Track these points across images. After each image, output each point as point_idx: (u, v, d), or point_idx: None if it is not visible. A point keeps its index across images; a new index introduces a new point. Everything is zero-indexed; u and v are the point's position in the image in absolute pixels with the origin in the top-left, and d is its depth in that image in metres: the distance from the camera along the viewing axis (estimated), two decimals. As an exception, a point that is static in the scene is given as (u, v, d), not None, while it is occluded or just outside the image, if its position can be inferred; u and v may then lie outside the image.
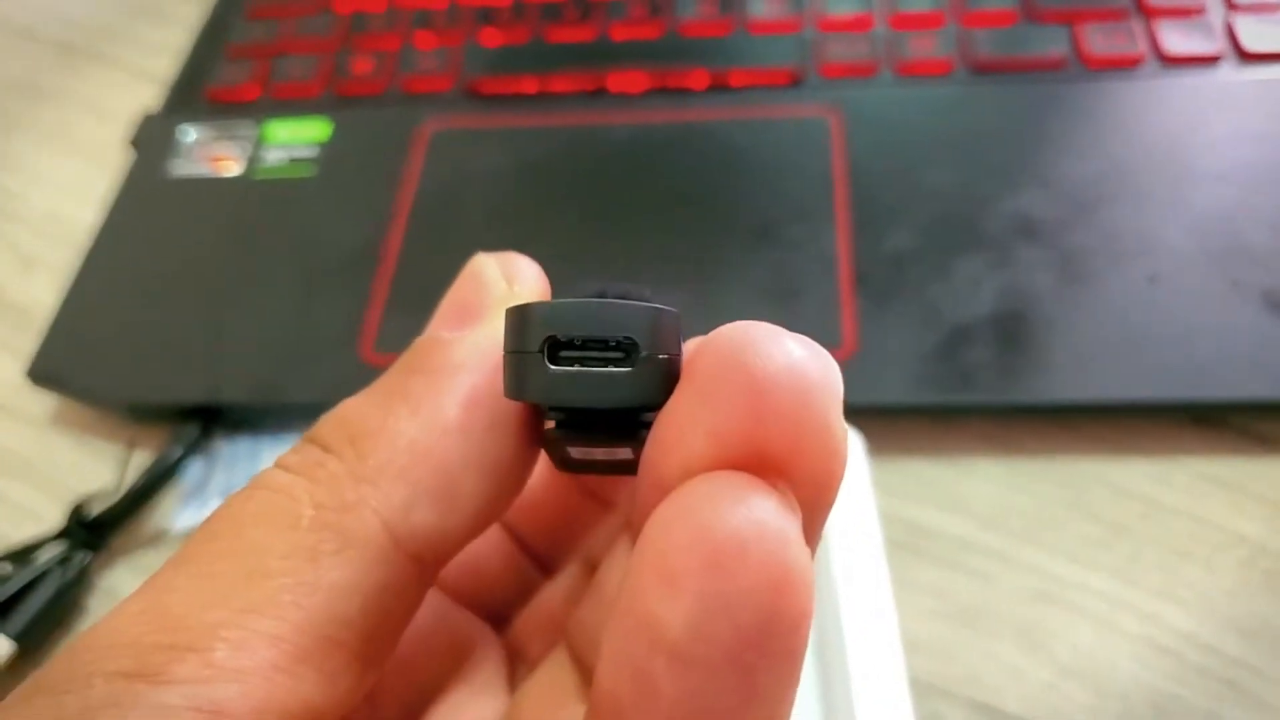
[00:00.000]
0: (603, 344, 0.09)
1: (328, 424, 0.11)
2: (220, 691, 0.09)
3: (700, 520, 0.07)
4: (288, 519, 0.10)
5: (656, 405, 0.09)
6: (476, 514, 0.10)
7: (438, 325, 0.11)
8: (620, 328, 0.09)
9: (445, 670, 0.13)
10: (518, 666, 0.13)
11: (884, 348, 0.24)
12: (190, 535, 0.10)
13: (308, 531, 0.10)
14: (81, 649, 0.09)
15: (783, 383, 0.08)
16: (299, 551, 0.09)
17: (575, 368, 0.09)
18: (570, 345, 0.09)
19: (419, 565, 0.10)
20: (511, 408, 0.10)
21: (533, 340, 0.09)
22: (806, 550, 0.08)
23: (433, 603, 0.13)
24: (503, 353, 0.10)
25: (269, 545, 0.10)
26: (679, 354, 0.10)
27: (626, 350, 0.09)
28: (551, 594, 0.14)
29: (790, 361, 0.08)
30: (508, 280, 0.11)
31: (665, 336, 0.09)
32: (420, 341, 0.11)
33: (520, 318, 0.10)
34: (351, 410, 0.11)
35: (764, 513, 0.07)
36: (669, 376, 0.09)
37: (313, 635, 0.09)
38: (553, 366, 0.09)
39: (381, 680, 0.12)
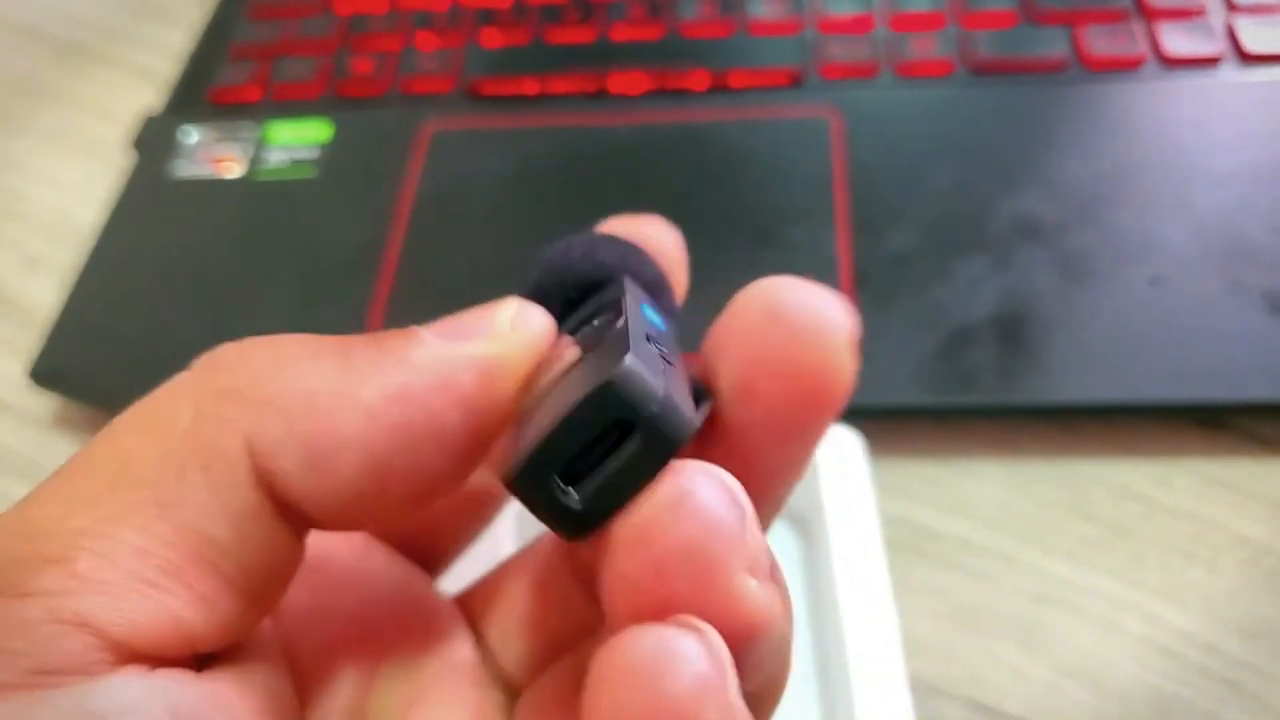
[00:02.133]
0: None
1: (252, 341, 0.10)
2: (85, 603, 0.08)
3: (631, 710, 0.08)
4: (165, 426, 0.09)
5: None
6: (351, 497, 0.10)
7: (429, 327, 0.11)
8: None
9: (410, 642, 0.12)
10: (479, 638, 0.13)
11: (885, 349, 0.24)
12: None
13: (179, 441, 0.09)
14: None
15: (682, 557, 0.08)
16: (168, 462, 0.09)
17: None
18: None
19: (283, 509, 0.10)
20: (430, 414, 0.10)
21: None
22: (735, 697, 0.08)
23: (394, 570, 0.13)
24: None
25: (141, 453, 0.09)
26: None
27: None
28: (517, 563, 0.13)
29: (686, 536, 0.08)
30: (512, 322, 0.11)
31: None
32: (402, 329, 0.11)
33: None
34: (288, 340, 0.10)
35: (687, 685, 0.07)
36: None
37: (182, 551, 0.09)
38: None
39: (333, 648, 0.12)
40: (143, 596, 0.09)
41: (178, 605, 0.09)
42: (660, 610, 0.08)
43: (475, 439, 0.10)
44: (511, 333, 0.11)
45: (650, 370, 0.09)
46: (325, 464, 0.09)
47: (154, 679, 0.09)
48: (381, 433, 0.10)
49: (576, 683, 0.11)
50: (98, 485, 0.09)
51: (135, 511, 0.09)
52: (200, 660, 0.10)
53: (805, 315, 0.10)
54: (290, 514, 0.10)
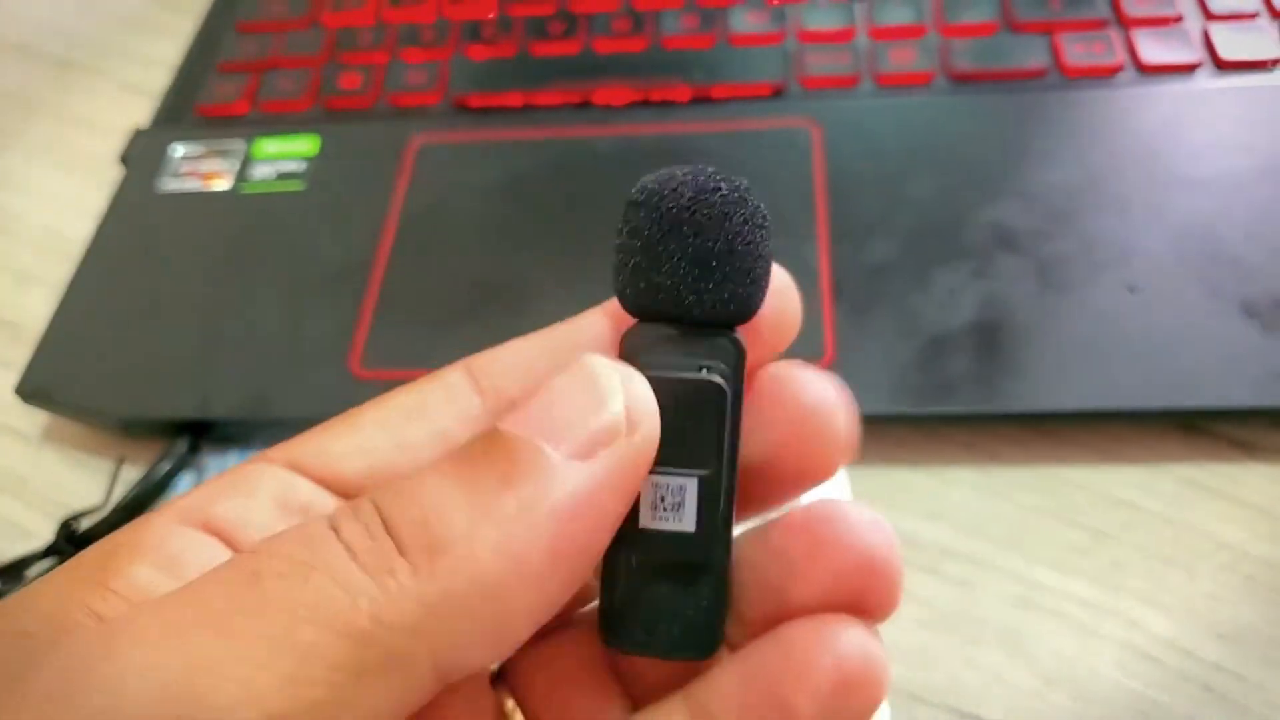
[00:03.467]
0: None
1: (408, 516, 0.10)
2: None
3: None
4: (343, 624, 0.09)
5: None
6: (512, 649, 0.10)
7: (543, 431, 0.10)
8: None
9: None
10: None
11: (864, 357, 0.25)
12: (233, 573, 0.10)
13: (361, 645, 0.09)
14: (98, 715, 0.09)
15: None
16: (347, 665, 0.09)
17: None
18: None
19: (441, 685, 0.10)
20: (588, 562, 0.10)
21: None
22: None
23: None
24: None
25: (319, 650, 0.09)
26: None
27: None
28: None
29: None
30: (630, 424, 0.11)
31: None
32: (522, 444, 0.10)
33: None
34: (434, 506, 0.10)
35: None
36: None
37: None
38: None
39: None
40: None
41: None
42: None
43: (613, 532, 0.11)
44: (636, 436, 0.11)
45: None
46: (506, 642, 0.10)
47: None
48: (549, 591, 0.10)
49: None
50: (274, 675, 0.09)
51: (307, 714, 0.09)
52: None
53: (825, 413, 0.12)
54: (447, 682, 0.10)
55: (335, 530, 0.10)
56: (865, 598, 0.12)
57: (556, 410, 0.10)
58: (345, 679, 0.09)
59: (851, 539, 0.12)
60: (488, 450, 0.10)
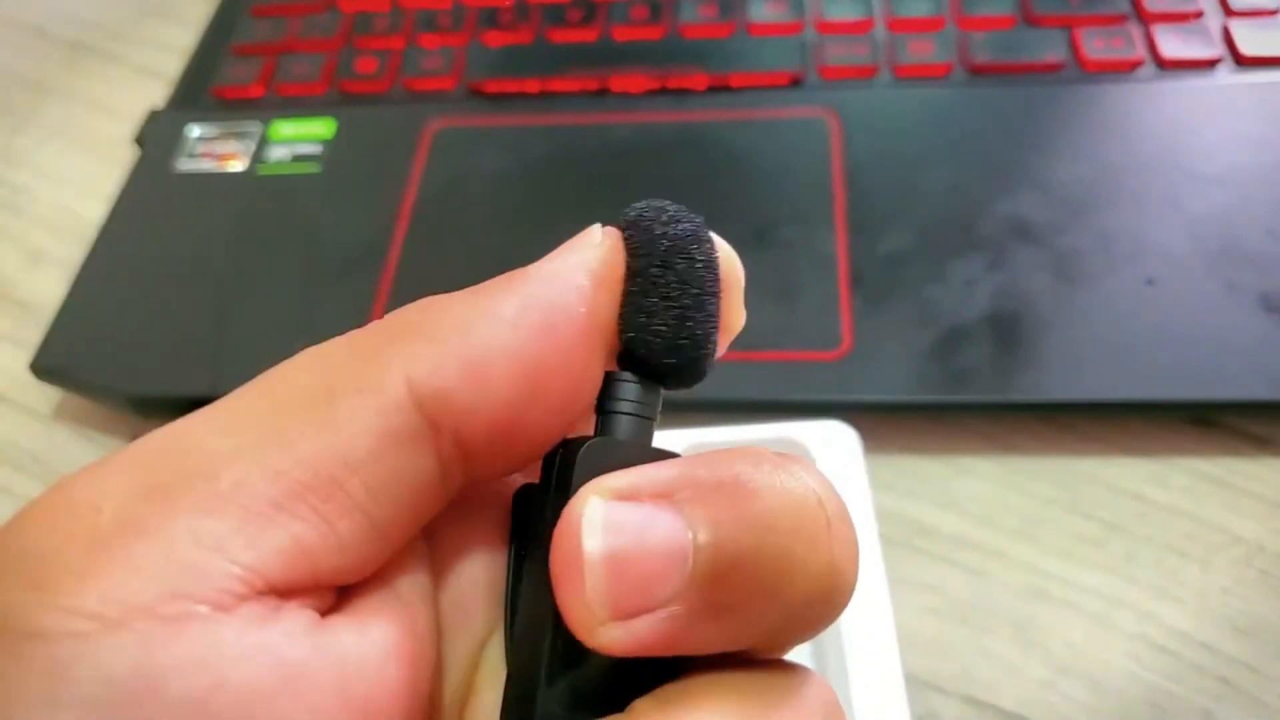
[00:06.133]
0: None
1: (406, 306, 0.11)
2: (223, 526, 0.09)
3: None
4: (323, 362, 0.10)
5: None
6: (504, 404, 0.10)
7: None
8: None
9: None
10: None
11: (881, 347, 0.25)
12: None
13: (333, 373, 0.10)
14: (106, 466, 0.10)
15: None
16: (318, 390, 0.10)
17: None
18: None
19: (436, 433, 0.10)
20: (558, 329, 0.11)
21: None
22: None
23: None
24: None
25: (296, 384, 0.10)
26: None
27: None
28: None
29: None
30: (602, 236, 0.12)
31: None
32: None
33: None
34: (434, 297, 0.11)
35: None
36: None
37: (315, 471, 0.09)
38: None
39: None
40: (270, 521, 0.09)
41: (298, 527, 0.09)
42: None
43: (598, 331, 0.11)
44: (605, 241, 0.12)
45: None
46: (482, 374, 0.10)
47: (269, 630, 0.09)
48: (525, 337, 0.10)
49: None
50: (255, 411, 0.10)
51: (280, 434, 0.09)
52: (331, 596, 0.10)
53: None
54: (442, 431, 0.10)
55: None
56: None
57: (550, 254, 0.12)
58: (317, 400, 0.10)
59: None
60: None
